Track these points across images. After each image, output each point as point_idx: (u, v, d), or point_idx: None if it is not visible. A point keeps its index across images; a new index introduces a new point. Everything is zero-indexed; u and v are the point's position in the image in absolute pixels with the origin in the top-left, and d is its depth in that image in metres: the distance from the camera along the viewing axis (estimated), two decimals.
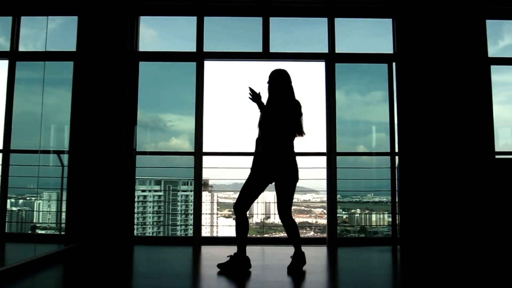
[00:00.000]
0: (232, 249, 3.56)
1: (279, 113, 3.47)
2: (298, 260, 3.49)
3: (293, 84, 3.62)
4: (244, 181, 3.56)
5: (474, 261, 3.95)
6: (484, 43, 4.88)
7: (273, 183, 3.55)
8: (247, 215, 3.57)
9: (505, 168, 4.69)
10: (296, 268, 3.45)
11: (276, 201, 3.58)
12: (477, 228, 4.59)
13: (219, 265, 3.46)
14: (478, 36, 4.87)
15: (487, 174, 4.65)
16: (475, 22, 4.89)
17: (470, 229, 4.60)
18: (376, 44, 5.19)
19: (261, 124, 3.58)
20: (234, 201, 3.60)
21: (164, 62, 5.20)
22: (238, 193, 3.54)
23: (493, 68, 4.89)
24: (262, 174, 3.50)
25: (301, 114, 3.56)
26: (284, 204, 3.50)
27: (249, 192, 3.50)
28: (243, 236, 3.49)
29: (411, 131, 4.79)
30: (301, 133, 3.57)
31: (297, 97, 3.59)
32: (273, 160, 3.47)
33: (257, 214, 6.50)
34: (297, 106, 3.55)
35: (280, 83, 3.57)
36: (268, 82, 3.61)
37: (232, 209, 3.58)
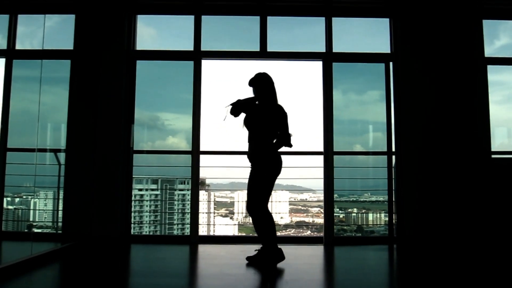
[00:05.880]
0: (229, 248, 3.58)
1: (262, 115, 3.65)
2: (264, 256, 3.58)
3: (276, 86, 3.75)
4: (247, 180, 3.66)
5: (470, 260, 3.97)
6: (480, 43, 4.90)
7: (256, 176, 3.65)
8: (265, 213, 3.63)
9: (501, 167, 4.71)
10: (258, 262, 3.57)
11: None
12: (473, 227, 4.61)
13: (247, 258, 3.61)
14: (474, 35, 4.88)
15: (483, 174, 4.67)
16: (472, 22, 4.90)
17: (467, 228, 4.62)
18: (373, 43, 5.20)
19: (248, 124, 3.70)
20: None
21: (161, 61, 5.20)
22: (252, 194, 3.61)
23: (490, 68, 4.91)
24: (266, 170, 3.59)
25: (284, 117, 3.70)
26: (262, 195, 3.58)
27: (261, 190, 3.60)
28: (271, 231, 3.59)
29: (407, 130, 4.81)
30: (286, 135, 3.66)
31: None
32: (259, 155, 3.59)
33: None
34: (279, 110, 3.70)
35: (263, 86, 3.70)
36: (251, 85, 3.75)
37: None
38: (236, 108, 3.70)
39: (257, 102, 3.75)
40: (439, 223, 4.65)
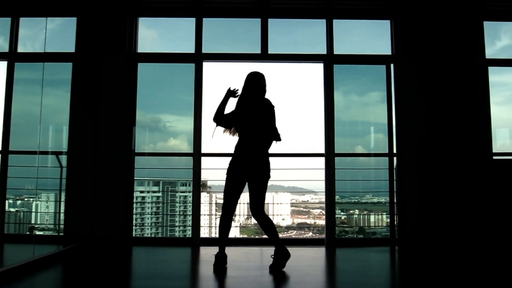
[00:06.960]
0: (231, 250, 3.58)
1: (251, 114, 3.55)
2: (280, 258, 3.48)
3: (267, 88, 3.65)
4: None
5: (472, 261, 3.97)
6: (481, 44, 4.90)
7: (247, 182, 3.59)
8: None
9: (503, 169, 4.71)
10: (278, 266, 3.46)
11: (249, 199, 3.59)
12: (475, 228, 4.60)
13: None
14: (475, 37, 4.89)
15: (484, 175, 4.66)
16: (473, 23, 4.90)
17: (468, 229, 4.61)
18: (374, 45, 5.21)
19: (237, 125, 3.62)
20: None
21: (163, 63, 5.20)
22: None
23: (491, 69, 4.91)
24: (237, 173, 3.53)
25: (272, 110, 3.58)
26: (257, 201, 3.53)
27: (229, 195, 3.55)
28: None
29: (409, 132, 4.81)
30: (276, 136, 3.58)
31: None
32: (247, 158, 3.52)
33: None
34: (266, 103, 3.59)
35: (254, 85, 3.62)
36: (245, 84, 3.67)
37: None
38: (222, 120, 3.67)
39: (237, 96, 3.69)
40: (440, 224, 4.64)
